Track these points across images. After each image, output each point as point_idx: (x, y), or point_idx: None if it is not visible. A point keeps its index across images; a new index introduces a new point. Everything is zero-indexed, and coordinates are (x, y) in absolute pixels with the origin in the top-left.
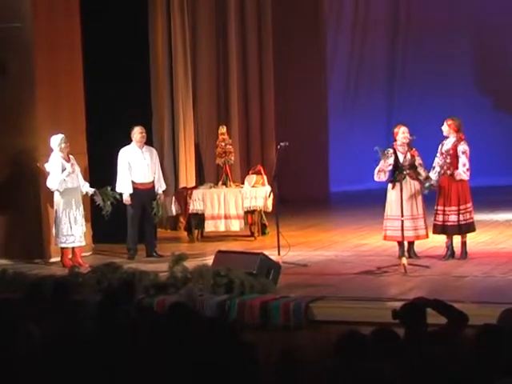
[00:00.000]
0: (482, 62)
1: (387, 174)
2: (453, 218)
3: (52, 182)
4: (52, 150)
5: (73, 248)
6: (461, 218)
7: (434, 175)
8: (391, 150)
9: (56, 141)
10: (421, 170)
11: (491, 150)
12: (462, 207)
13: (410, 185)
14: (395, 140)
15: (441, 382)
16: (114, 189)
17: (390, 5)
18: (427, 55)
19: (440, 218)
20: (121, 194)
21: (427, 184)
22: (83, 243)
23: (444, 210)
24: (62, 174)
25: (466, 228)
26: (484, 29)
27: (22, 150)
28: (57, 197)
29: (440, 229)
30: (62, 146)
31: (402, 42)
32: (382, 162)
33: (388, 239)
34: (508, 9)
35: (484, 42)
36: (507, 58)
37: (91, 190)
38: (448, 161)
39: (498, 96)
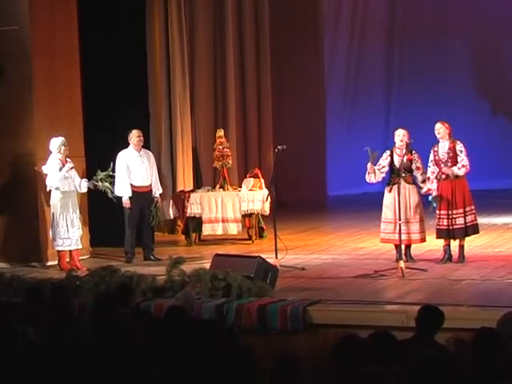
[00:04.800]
0: (479, 65)
1: (380, 175)
2: (460, 220)
3: (52, 180)
4: (50, 153)
5: (70, 251)
6: (466, 219)
7: (433, 186)
8: (378, 152)
9: (56, 143)
10: (417, 174)
11: (489, 153)
12: (467, 209)
13: (405, 189)
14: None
15: None
16: (103, 169)
17: (388, 9)
18: (425, 58)
19: (444, 222)
20: (120, 198)
21: (430, 197)
22: (80, 246)
23: (448, 214)
24: (62, 170)
25: (472, 230)
26: (481, 32)
27: (20, 153)
28: (54, 200)
29: (445, 233)
30: (62, 149)
31: (399, 45)
32: (369, 165)
33: (382, 241)
34: (505, 12)
35: (481, 45)
36: (505, 61)
37: (90, 183)
38: (449, 164)
39: (496, 99)
